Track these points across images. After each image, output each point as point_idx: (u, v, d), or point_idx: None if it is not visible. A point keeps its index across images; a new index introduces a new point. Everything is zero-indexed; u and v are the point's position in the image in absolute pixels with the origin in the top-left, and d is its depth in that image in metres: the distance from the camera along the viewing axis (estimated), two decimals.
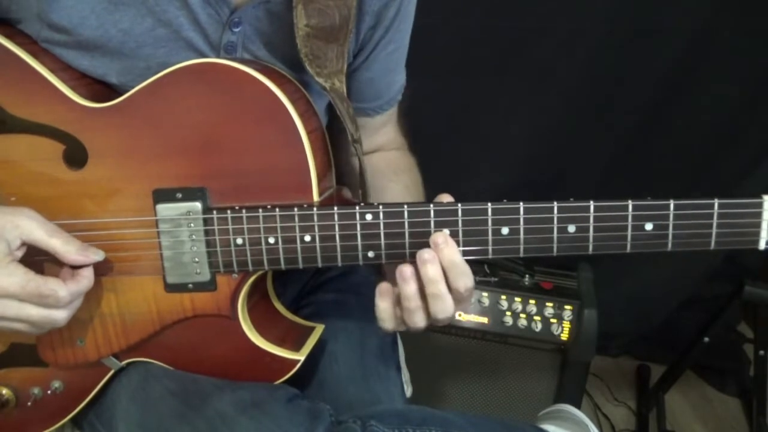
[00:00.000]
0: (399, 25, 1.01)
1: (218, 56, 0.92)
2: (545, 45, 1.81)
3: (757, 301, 1.66)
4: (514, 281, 1.64)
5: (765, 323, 1.77)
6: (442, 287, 0.81)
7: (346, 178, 1.04)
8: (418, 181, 1.10)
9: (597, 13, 1.76)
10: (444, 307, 0.82)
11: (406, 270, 0.81)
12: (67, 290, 0.81)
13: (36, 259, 0.83)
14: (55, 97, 0.86)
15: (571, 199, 0.80)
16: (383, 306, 0.84)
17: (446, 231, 0.81)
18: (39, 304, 0.80)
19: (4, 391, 0.94)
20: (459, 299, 0.83)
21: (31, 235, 0.81)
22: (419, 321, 0.83)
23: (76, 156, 0.86)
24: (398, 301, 0.84)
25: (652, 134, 1.92)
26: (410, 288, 0.81)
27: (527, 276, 1.65)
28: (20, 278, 0.79)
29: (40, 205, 0.86)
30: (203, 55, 0.91)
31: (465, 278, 0.81)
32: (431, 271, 0.80)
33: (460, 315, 1.62)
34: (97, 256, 0.84)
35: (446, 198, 0.84)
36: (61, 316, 0.82)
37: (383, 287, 0.84)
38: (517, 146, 1.96)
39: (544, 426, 1.18)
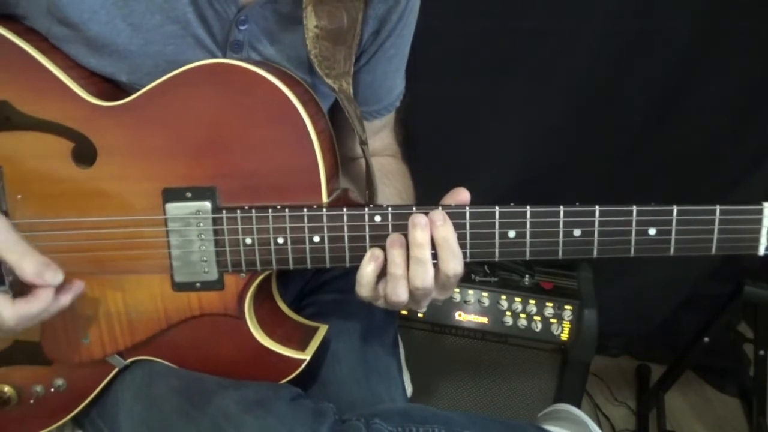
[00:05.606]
0: (401, 31, 1.02)
1: (225, 54, 0.92)
2: (545, 46, 1.81)
3: (757, 301, 1.66)
4: (514, 281, 1.64)
5: (765, 323, 1.76)
6: (427, 253, 0.81)
7: (348, 180, 1.05)
8: (409, 187, 1.10)
9: (597, 14, 1.76)
10: (424, 276, 0.82)
11: (396, 238, 0.82)
12: (13, 311, 0.78)
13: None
14: (64, 95, 0.86)
15: (577, 204, 0.81)
16: (368, 269, 0.84)
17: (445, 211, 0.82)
18: None
19: (6, 388, 0.94)
20: (444, 285, 0.84)
21: None
22: (402, 293, 0.83)
23: (85, 154, 0.86)
24: (383, 272, 0.84)
25: (652, 134, 1.92)
26: (398, 254, 0.82)
27: (527, 276, 1.65)
28: None
29: (47, 202, 0.86)
30: (211, 53, 0.91)
31: (456, 262, 0.82)
32: (420, 235, 0.81)
33: (460, 315, 1.62)
34: (55, 279, 0.80)
35: (462, 192, 0.84)
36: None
37: (376, 252, 0.84)
38: (517, 146, 1.96)
39: (545, 427, 1.18)
